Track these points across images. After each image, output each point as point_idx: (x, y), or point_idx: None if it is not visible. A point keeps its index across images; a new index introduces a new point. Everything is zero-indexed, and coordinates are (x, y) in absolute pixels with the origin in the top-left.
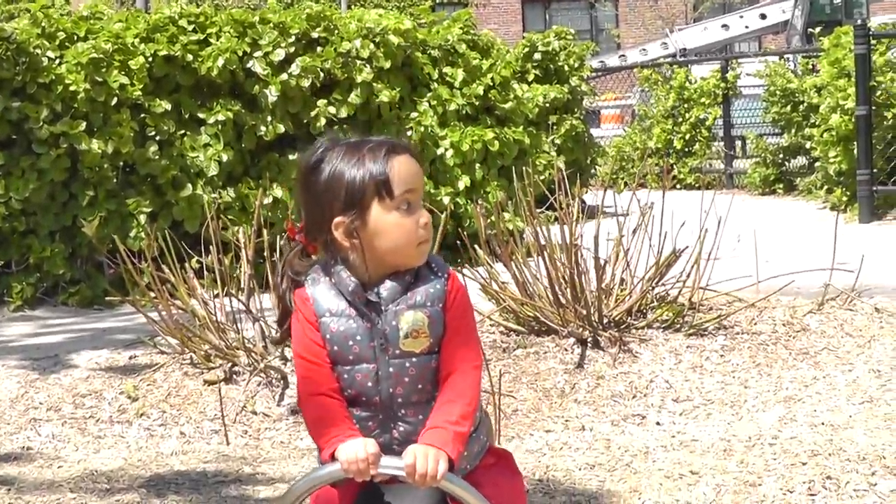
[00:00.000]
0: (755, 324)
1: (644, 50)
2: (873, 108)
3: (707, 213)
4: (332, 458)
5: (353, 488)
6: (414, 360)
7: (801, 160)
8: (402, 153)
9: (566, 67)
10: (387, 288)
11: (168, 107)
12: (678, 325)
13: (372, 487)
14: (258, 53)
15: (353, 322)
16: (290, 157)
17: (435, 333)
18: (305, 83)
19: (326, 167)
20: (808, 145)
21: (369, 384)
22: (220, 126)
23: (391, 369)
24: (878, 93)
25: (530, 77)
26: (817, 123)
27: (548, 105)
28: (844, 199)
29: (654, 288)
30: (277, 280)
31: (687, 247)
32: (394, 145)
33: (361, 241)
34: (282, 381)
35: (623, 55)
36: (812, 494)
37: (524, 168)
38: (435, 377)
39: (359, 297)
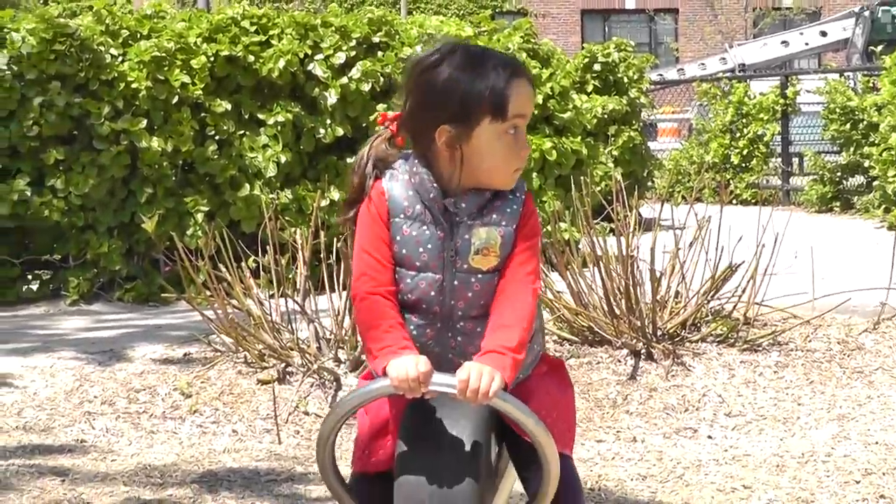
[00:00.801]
0: (810, 341)
1: (703, 64)
2: None
3: (764, 229)
4: (384, 372)
5: (401, 398)
6: (480, 276)
7: (858, 179)
8: (522, 76)
9: (625, 79)
10: (467, 200)
11: (228, 107)
12: (732, 340)
13: (422, 400)
14: (319, 56)
15: (427, 229)
16: (348, 160)
17: (504, 253)
18: (365, 87)
19: (445, 69)
20: (866, 164)
21: (432, 293)
22: (279, 127)
23: (456, 282)
24: None
25: (589, 88)
26: (876, 142)
27: (606, 116)
28: None
29: (709, 302)
30: (359, 160)
31: (743, 262)
32: (517, 67)
33: (462, 154)
34: (334, 383)
35: (682, 69)
36: None
37: (582, 178)
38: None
39: (437, 204)
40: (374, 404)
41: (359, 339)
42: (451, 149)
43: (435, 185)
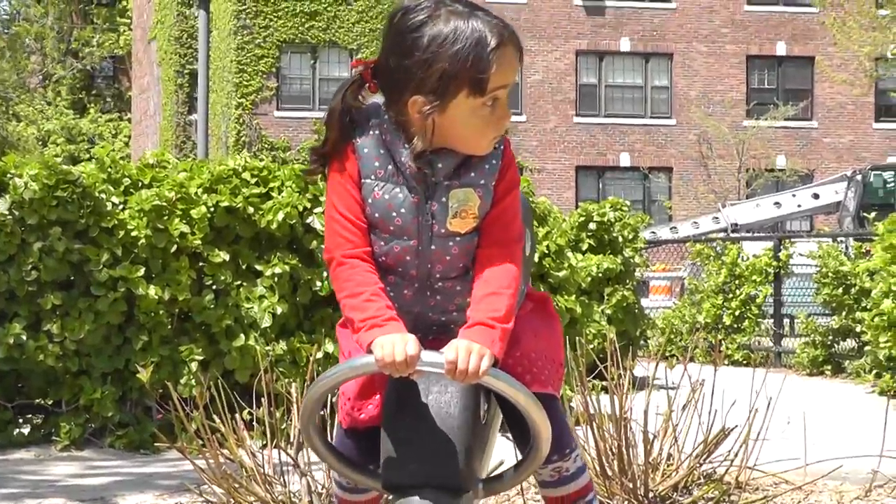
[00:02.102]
0: None
1: (696, 223)
2: None
3: (757, 393)
4: (368, 348)
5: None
6: (458, 239)
7: (850, 343)
8: (508, 43)
9: (620, 238)
10: (443, 160)
11: (226, 257)
12: None
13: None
14: (318, 209)
15: (400, 192)
16: None
17: (482, 213)
18: None
19: (427, 33)
20: (858, 328)
21: (408, 258)
22: (276, 279)
23: (433, 247)
24: None
25: (584, 246)
26: (869, 307)
27: (601, 275)
28: (894, 384)
29: (701, 465)
30: (334, 110)
31: (736, 426)
32: (504, 33)
33: (434, 123)
34: None
35: (674, 227)
36: None
37: (576, 337)
38: (476, 253)
39: (410, 166)
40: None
41: None
42: (422, 118)
43: (407, 146)
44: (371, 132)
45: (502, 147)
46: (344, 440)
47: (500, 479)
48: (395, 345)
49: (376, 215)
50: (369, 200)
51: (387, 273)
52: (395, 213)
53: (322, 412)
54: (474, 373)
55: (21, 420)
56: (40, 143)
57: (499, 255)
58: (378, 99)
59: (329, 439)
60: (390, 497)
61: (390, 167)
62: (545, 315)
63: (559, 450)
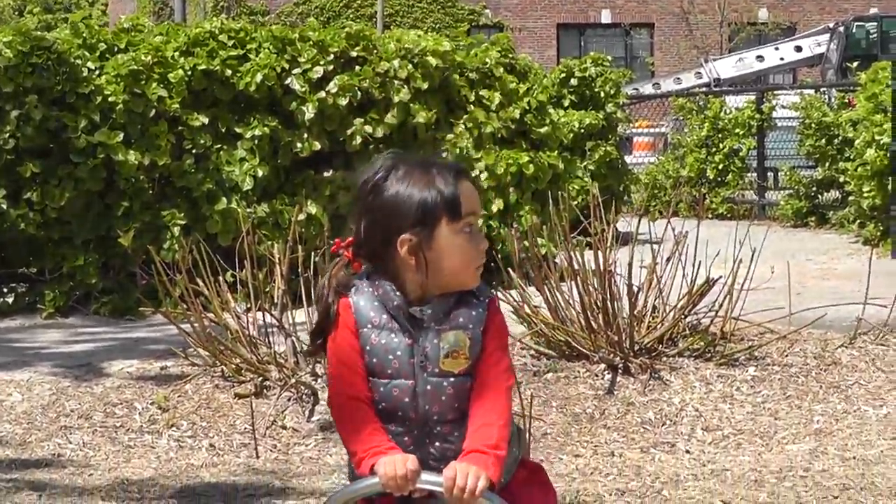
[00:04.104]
0: (786, 356)
1: (678, 79)
2: None
3: (741, 244)
4: (371, 470)
5: (390, 499)
6: (452, 380)
7: (834, 194)
8: (466, 178)
9: (602, 94)
10: (432, 306)
11: (205, 121)
12: (709, 355)
13: (408, 500)
14: (297, 70)
15: (395, 336)
16: (326, 174)
17: (473, 355)
18: (343, 102)
19: (394, 185)
20: (841, 179)
21: (406, 399)
22: (256, 141)
23: (429, 387)
24: None
25: (566, 102)
26: (852, 157)
27: (583, 131)
28: (877, 233)
29: (686, 316)
30: (321, 291)
31: (720, 277)
32: (460, 169)
33: (426, 259)
34: (312, 397)
35: (657, 83)
36: None
37: (559, 193)
38: (470, 397)
39: (403, 312)
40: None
41: None
42: (415, 256)
43: (398, 293)
44: (363, 290)
45: (488, 301)
46: None
47: None
48: (396, 462)
49: (374, 360)
50: (367, 347)
51: (388, 421)
52: (391, 356)
53: None
54: (472, 491)
55: (5, 290)
56: (16, 13)
57: (490, 392)
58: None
59: None
60: None
61: (384, 316)
62: (540, 483)
63: None
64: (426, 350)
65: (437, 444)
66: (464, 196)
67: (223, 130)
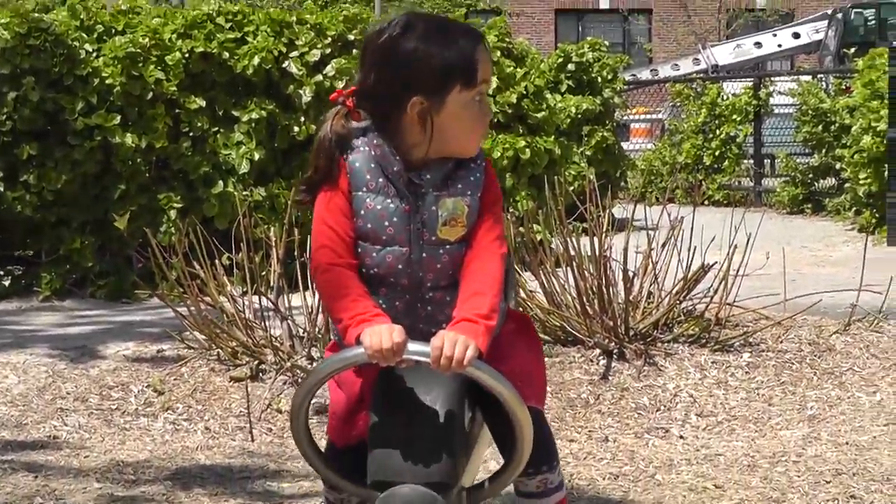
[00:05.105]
0: (781, 342)
1: (676, 65)
2: None
3: (736, 230)
4: (357, 340)
5: (373, 368)
6: (448, 247)
7: (830, 181)
8: (483, 43)
9: (599, 79)
10: (432, 171)
11: (203, 103)
12: (704, 341)
13: (393, 367)
14: (294, 53)
15: (392, 202)
16: None
17: (470, 223)
18: (340, 85)
19: (412, 42)
20: (838, 166)
21: (399, 266)
22: (253, 124)
23: (424, 255)
24: None
25: (563, 87)
26: (848, 144)
27: (580, 116)
28: (873, 220)
29: (681, 302)
30: (323, 140)
31: (715, 262)
32: (478, 33)
33: (433, 124)
34: None
35: (654, 69)
36: None
37: (555, 178)
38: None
39: (401, 177)
40: (346, 377)
41: (331, 336)
42: (422, 120)
43: (398, 157)
44: (360, 150)
45: (484, 164)
46: (337, 458)
47: (481, 487)
48: (382, 333)
49: (368, 226)
50: (361, 212)
51: (379, 285)
52: (387, 223)
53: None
54: (459, 361)
55: (1, 272)
56: None
57: (483, 259)
58: (361, 125)
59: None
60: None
61: (381, 180)
62: (527, 336)
63: (548, 461)
64: (424, 217)
65: (428, 308)
66: (481, 63)
67: (220, 113)
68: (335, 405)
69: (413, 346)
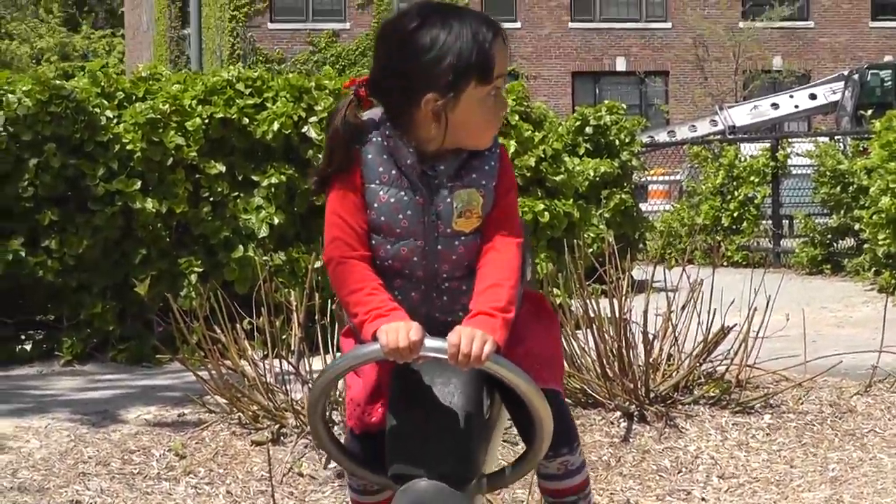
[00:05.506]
0: (802, 403)
1: (693, 126)
2: None
3: (756, 292)
4: (374, 336)
5: (391, 363)
6: (463, 238)
7: (849, 241)
8: (500, 34)
9: (617, 142)
10: (445, 163)
11: (223, 168)
12: (724, 402)
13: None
14: (313, 119)
15: (405, 195)
16: None
17: (485, 212)
18: None
19: (428, 34)
20: (856, 227)
21: (415, 259)
22: (272, 189)
23: (440, 247)
24: None
25: (581, 150)
26: (867, 205)
27: (598, 179)
28: (893, 281)
29: (701, 364)
30: (335, 129)
31: (735, 324)
32: (495, 24)
33: (447, 120)
34: None
35: (672, 131)
36: None
37: (574, 241)
38: (479, 254)
39: (415, 169)
40: (361, 368)
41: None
42: (436, 116)
43: (411, 150)
44: (373, 140)
45: (498, 151)
46: (356, 445)
47: (502, 474)
48: (398, 331)
49: (382, 218)
50: (375, 204)
51: (394, 277)
52: (401, 216)
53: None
54: (477, 357)
55: (23, 336)
56: (34, 61)
57: (500, 250)
58: (373, 114)
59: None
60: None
61: (394, 172)
62: (543, 314)
63: (568, 443)
64: (438, 209)
65: (444, 298)
66: (497, 58)
67: (240, 178)
68: (353, 392)
69: (430, 343)
